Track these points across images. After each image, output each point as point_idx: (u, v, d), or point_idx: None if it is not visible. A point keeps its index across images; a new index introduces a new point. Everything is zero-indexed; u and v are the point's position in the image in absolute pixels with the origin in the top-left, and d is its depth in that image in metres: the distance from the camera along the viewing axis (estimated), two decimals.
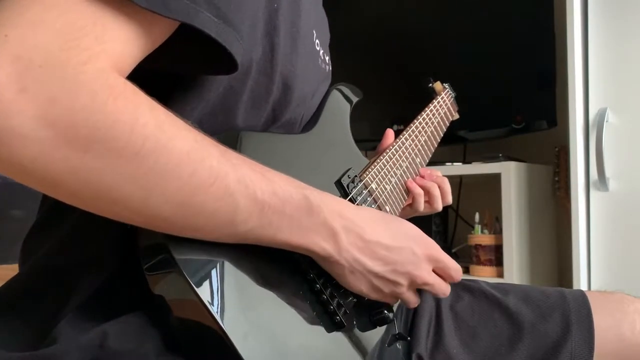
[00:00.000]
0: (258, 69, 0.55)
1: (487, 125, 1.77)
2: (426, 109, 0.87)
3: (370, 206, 0.65)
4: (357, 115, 0.75)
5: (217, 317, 0.43)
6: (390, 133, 0.82)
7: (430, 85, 0.95)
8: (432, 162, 1.16)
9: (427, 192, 0.78)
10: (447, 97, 0.95)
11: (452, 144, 1.84)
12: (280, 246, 0.48)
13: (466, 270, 1.68)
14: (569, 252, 1.52)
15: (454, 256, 1.80)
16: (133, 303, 0.47)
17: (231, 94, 0.54)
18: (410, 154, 0.78)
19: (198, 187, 0.41)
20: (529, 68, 1.68)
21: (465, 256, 1.79)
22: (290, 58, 0.58)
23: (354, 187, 0.63)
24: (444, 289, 0.60)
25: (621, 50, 1.50)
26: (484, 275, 1.62)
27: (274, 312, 0.48)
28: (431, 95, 0.94)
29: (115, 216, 0.42)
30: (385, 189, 0.70)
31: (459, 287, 0.77)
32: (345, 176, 0.63)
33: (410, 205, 0.79)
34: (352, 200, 0.62)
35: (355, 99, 0.75)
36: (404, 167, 0.75)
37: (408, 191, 0.76)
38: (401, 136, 0.78)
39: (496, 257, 1.63)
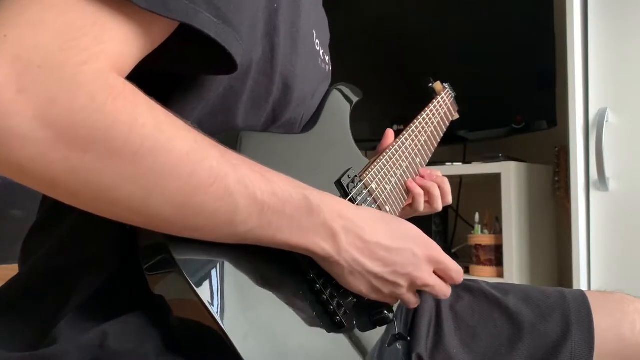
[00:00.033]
0: (258, 69, 0.55)
1: (487, 125, 1.77)
2: (426, 109, 0.87)
3: (370, 206, 0.65)
4: (357, 115, 0.75)
5: (217, 317, 0.43)
6: (390, 133, 0.82)
7: (430, 85, 0.95)
8: (432, 162, 1.16)
9: (427, 192, 0.78)
10: (447, 97, 0.95)
11: (452, 144, 1.84)
12: (280, 246, 0.48)
13: (466, 270, 1.68)
14: (569, 252, 1.52)
15: (454, 256, 1.80)
16: (133, 303, 0.47)
17: (231, 94, 0.54)
18: (410, 154, 0.78)
19: (197, 187, 0.41)
20: (529, 68, 1.68)
21: (465, 256, 1.79)
22: (290, 58, 0.58)
23: (354, 187, 0.63)
24: (444, 290, 0.60)
25: (621, 50, 1.50)
26: (484, 275, 1.62)
27: (274, 312, 0.48)
28: (431, 95, 0.94)
29: (114, 216, 0.42)
30: (385, 189, 0.70)
31: (459, 287, 0.77)
32: (345, 176, 0.62)
33: (410, 205, 0.79)
34: (352, 200, 0.62)
35: (355, 99, 0.75)
36: (404, 167, 0.75)
37: (408, 191, 0.76)
38: (401, 136, 0.78)
39: (496, 257, 1.63)
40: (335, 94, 0.72)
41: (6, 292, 0.52)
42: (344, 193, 0.62)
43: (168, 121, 0.41)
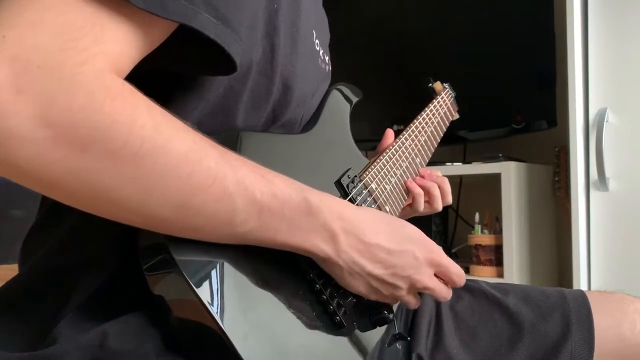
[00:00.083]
0: (258, 70, 0.55)
1: (487, 125, 1.77)
2: (426, 109, 0.87)
3: (370, 206, 0.65)
4: (357, 115, 0.75)
5: (217, 317, 0.43)
6: (390, 133, 0.82)
7: (430, 85, 0.95)
8: (432, 162, 1.16)
9: (427, 192, 0.78)
10: (447, 97, 0.95)
11: (452, 144, 1.84)
12: (279, 247, 0.48)
13: (466, 270, 1.68)
14: (569, 252, 1.52)
15: (454, 256, 1.80)
16: (133, 303, 0.47)
17: (231, 95, 0.54)
18: (410, 154, 0.78)
19: (197, 188, 0.41)
20: (529, 68, 1.68)
21: (465, 256, 1.79)
22: (290, 58, 0.58)
23: (354, 187, 0.63)
24: (444, 293, 0.59)
25: (621, 50, 1.50)
26: (484, 275, 1.62)
27: (273, 312, 0.48)
28: (431, 95, 0.94)
29: (114, 217, 0.42)
30: (385, 189, 0.70)
31: (459, 288, 0.77)
32: (345, 176, 0.62)
33: (410, 205, 0.78)
34: (352, 201, 0.62)
35: (355, 99, 0.75)
36: (403, 167, 0.75)
37: (408, 191, 0.76)
38: (401, 136, 0.78)
39: (496, 257, 1.63)
40: (335, 94, 0.71)
41: (6, 292, 0.52)
42: (343, 193, 0.62)
43: (167, 122, 0.41)
